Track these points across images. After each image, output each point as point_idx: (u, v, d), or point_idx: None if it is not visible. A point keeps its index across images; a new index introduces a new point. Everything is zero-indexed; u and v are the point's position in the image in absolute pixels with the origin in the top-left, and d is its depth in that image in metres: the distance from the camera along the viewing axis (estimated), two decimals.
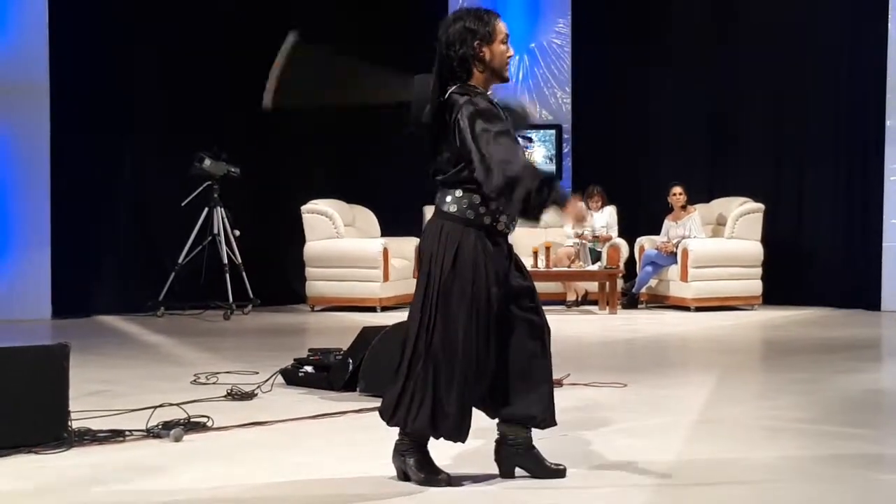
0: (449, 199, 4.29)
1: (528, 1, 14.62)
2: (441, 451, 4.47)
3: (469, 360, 4.20)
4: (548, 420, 4.39)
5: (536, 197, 4.00)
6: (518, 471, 4.44)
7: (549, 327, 4.43)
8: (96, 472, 4.57)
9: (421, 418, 4.21)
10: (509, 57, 4.36)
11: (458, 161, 4.22)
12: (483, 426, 4.54)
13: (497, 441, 4.46)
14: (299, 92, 4.54)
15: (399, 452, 4.34)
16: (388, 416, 4.31)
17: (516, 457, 4.42)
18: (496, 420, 4.44)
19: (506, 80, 4.40)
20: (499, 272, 4.29)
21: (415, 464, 4.30)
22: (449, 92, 4.26)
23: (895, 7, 12.14)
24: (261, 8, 12.95)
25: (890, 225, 12.22)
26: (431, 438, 4.32)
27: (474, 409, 4.34)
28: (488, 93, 4.33)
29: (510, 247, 4.44)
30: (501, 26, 4.35)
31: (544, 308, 4.53)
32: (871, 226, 12.39)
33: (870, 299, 12.25)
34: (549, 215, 4.26)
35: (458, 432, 4.26)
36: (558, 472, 4.43)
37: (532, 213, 4.06)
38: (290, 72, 4.40)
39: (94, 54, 11.70)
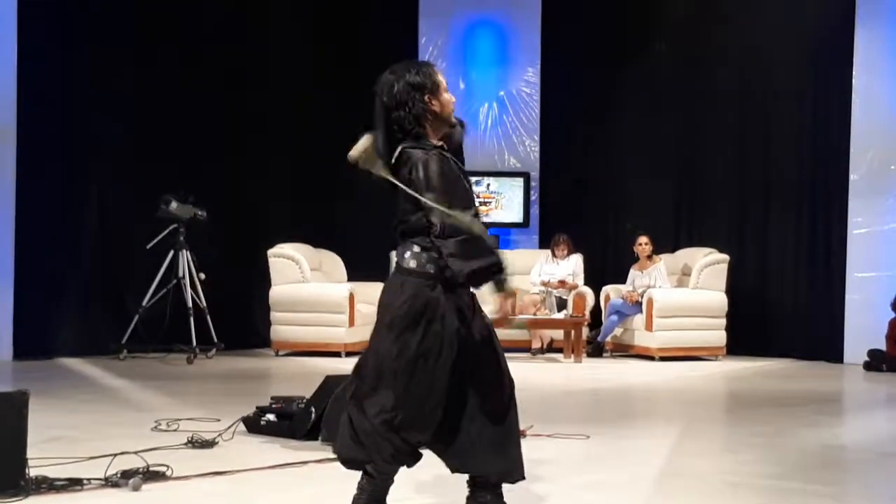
0: (408, 254, 4.26)
1: (498, 49, 14.74)
2: None
3: (417, 405, 4.16)
4: (514, 473, 4.35)
5: (486, 274, 4.15)
6: None
7: (511, 380, 4.38)
8: None
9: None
10: (453, 103, 4.37)
11: (416, 212, 4.21)
12: (446, 477, 4.51)
13: (468, 497, 4.41)
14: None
15: None
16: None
17: None
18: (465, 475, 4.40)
19: (452, 125, 4.38)
20: (459, 324, 4.24)
21: None
22: (402, 148, 4.24)
23: (859, 59, 12.30)
24: (230, 49, 12.99)
25: (853, 278, 12.32)
26: (389, 490, 4.29)
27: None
28: (439, 143, 4.31)
29: (473, 297, 4.39)
30: (440, 76, 4.34)
31: (509, 356, 4.52)
32: (835, 278, 12.49)
33: (832, 351, 12.33)
34: (487, 289, 4.27)
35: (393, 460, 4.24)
36: None
37: (476, 284, 4.22)
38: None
39: (61, 96, 11.68)
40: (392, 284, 4.31)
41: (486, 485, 4.37)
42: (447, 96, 4.33)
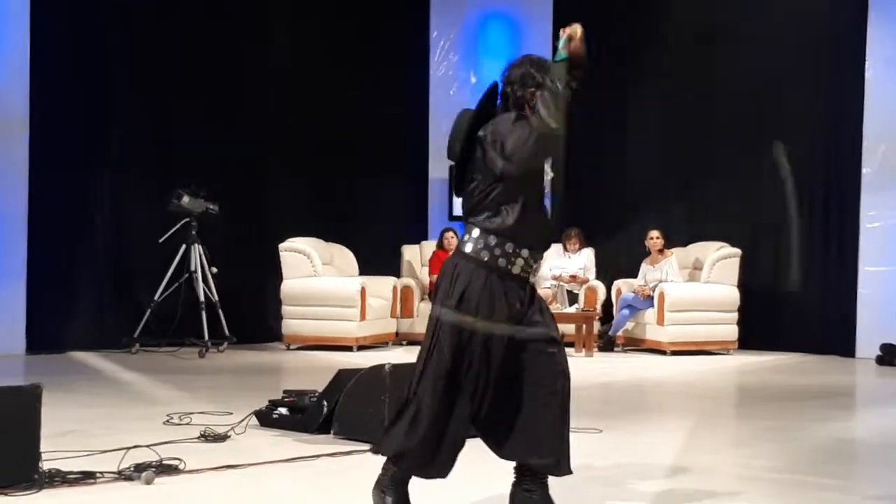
0: (467, 237, 4.34)
1: (510, 42, 14.70)
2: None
3: (454, 397, 4.21)
4: (556, 466, 4.37)
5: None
6: None
7: (567, 373, 4.43)
8: None
9: (391, 446, 4.26)
10: None
11: (479, 191, 4.30)
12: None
13: (513, 483, 4.44)
14: None
15: (380, 488, 4.31)
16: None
17: (528, 503, 4.40)
18: (512, 462, 4.43)
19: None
20: (510, 313, 4.27)
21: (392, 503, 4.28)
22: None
23: (872, 53, 12.26)
24: (240, 48, 12.99)
25: (865, 272, 12.28)
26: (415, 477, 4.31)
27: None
28: None
29: (533, 292, 4.43)
30: None
31: None
32: (847, 272, 12.45)
33: (844, 346, 12.30)
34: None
35: (424, 466, 4.27)
36: None
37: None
38: None
39: (74, 90, 11.67)
40: (447, 266, 4.37)
41: (532, 475, 4.38)
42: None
